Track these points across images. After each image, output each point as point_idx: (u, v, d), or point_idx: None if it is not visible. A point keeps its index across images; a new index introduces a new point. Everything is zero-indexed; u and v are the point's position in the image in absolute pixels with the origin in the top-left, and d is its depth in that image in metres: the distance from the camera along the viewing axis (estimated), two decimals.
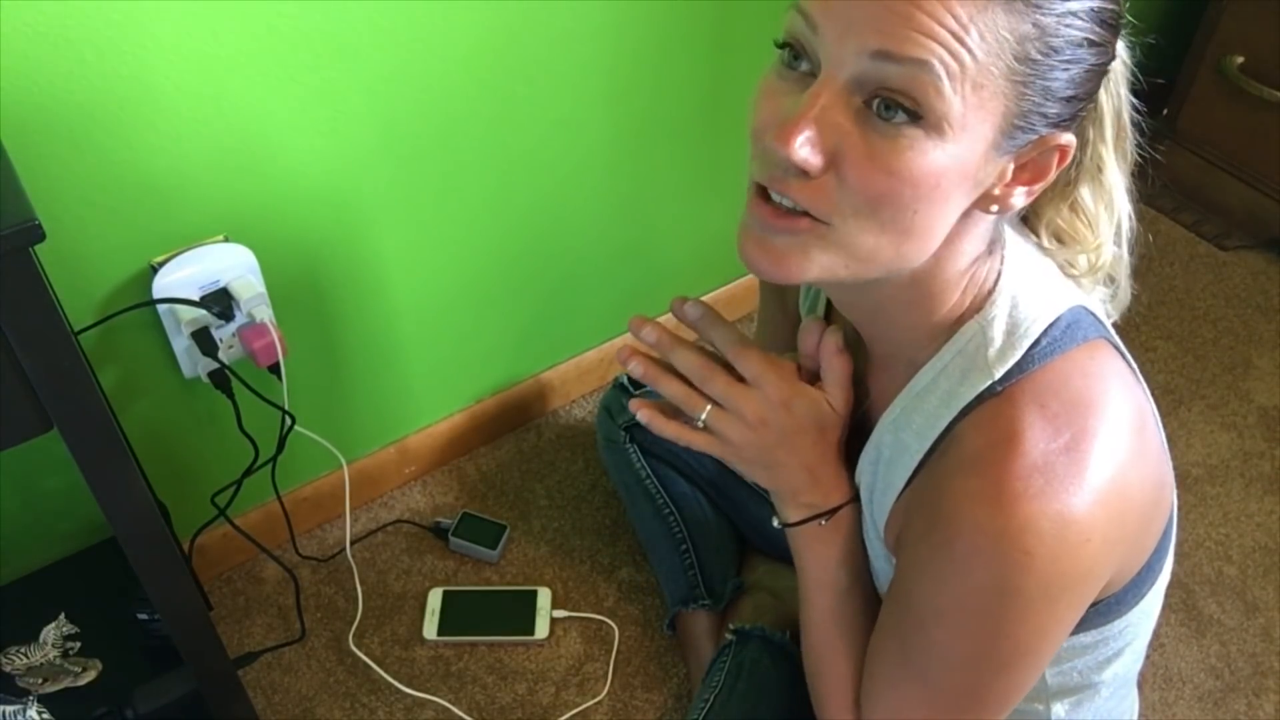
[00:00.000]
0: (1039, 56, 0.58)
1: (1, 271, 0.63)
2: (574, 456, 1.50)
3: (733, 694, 1.05)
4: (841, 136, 0.60)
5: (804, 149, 0.60)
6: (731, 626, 1.12)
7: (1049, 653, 0.72)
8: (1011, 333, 0.69)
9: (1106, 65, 0.63)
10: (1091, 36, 0.60)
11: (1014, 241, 0.73)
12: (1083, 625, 0.74)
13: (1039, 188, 0.65)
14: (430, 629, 1.29)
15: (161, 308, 1.03)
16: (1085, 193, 0.72)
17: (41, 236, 0.62)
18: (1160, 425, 0.75)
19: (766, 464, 0.79)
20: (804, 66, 0.62)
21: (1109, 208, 0.74)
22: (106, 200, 0.97)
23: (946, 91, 0.57)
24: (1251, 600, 1.36)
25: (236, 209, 1.05)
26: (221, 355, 1.08)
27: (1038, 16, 0.57)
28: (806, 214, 0.63)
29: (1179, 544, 1.41)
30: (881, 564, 0.82)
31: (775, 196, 0.64)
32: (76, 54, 0.87)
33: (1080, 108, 0.63)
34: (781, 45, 0.63)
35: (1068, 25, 0.58)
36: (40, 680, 1.08)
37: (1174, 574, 1.37)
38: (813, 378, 0.80)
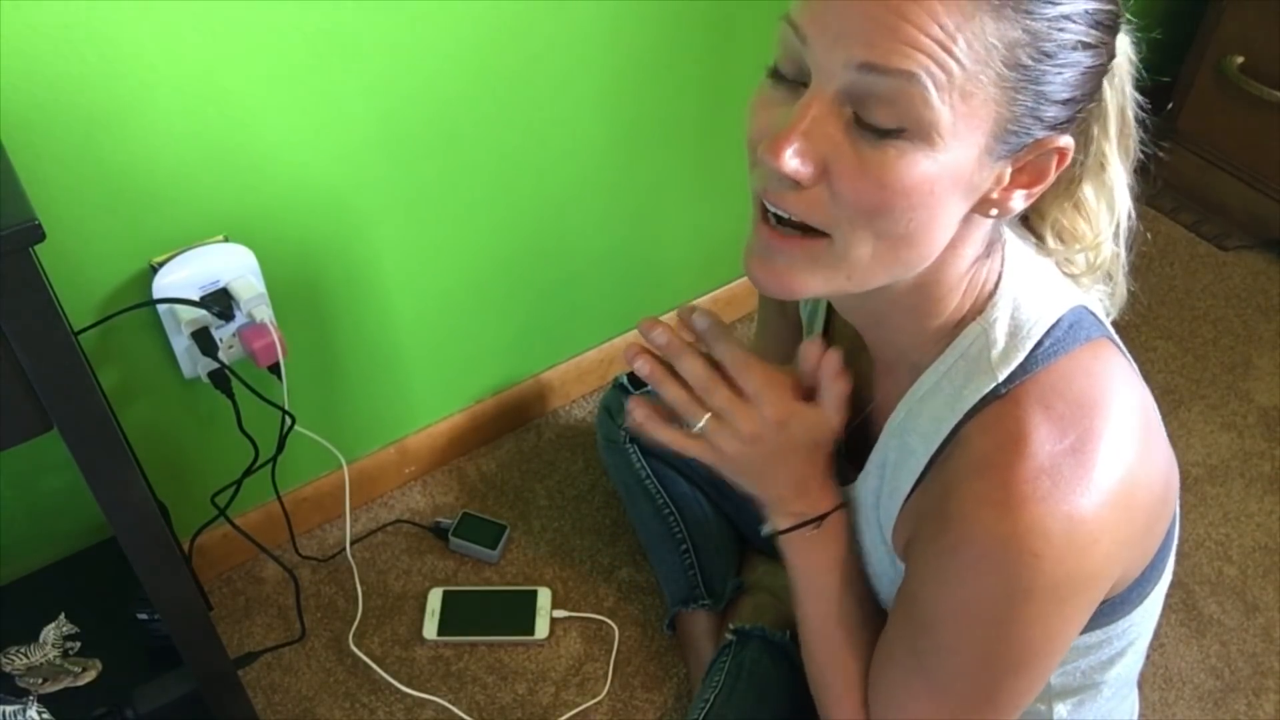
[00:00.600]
0: (1030, 62, 0.58)
1: (1, 271, 0.63)
2: (574, 456, 1.50)
3: (733, 694, 1.05)
4: (832, 147, 0.60)
5: (794, 160, 0.60)
6: (731, 626, 1.12)
7: (1060, 653, 0.72)
8: (1014, 334, 0.69)
9: (1105, 66, 0.63)
10: (1086, 39, 0.59)
11: (1012, 241, 0.73)
12: (1087, 625, 0.74)
13: (1038, 190, 0.65)
14: (430, 629, 1.29)
15: (161, 308, 1.03)
16: (1088, 190, 0.72)
17: (41, 236, 0.62)
18: (1162, 424, 0.75)
19: (756, 475, 0.81)
20: (796, 77, 0.62)
21: (1110, 205, 0.74)
22: (106, 200, 0.97)
23: (934, 101, 0.57)
24: (1251, 600, 1.36)
25: (236, 209, 1.05)
26: (221, 355, 1.08)
27: (1028, 22, 0.57)
28: (807, 232, 0.64)
29: (1179, 544, 1.41)
30: (884, 567, 0.82)
31: (770, 207, 0.65)
32: (76, 54, 0.87)
33: (1079, 109, 0.63)
34: (775, 59, 0.64)
35: (1060, 30, 0.58)
36: (40, 680, 1.08)
37: (1174, 574, 1.38)
38: (810, 393, 0.80)
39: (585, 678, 1.27)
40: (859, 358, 0.83)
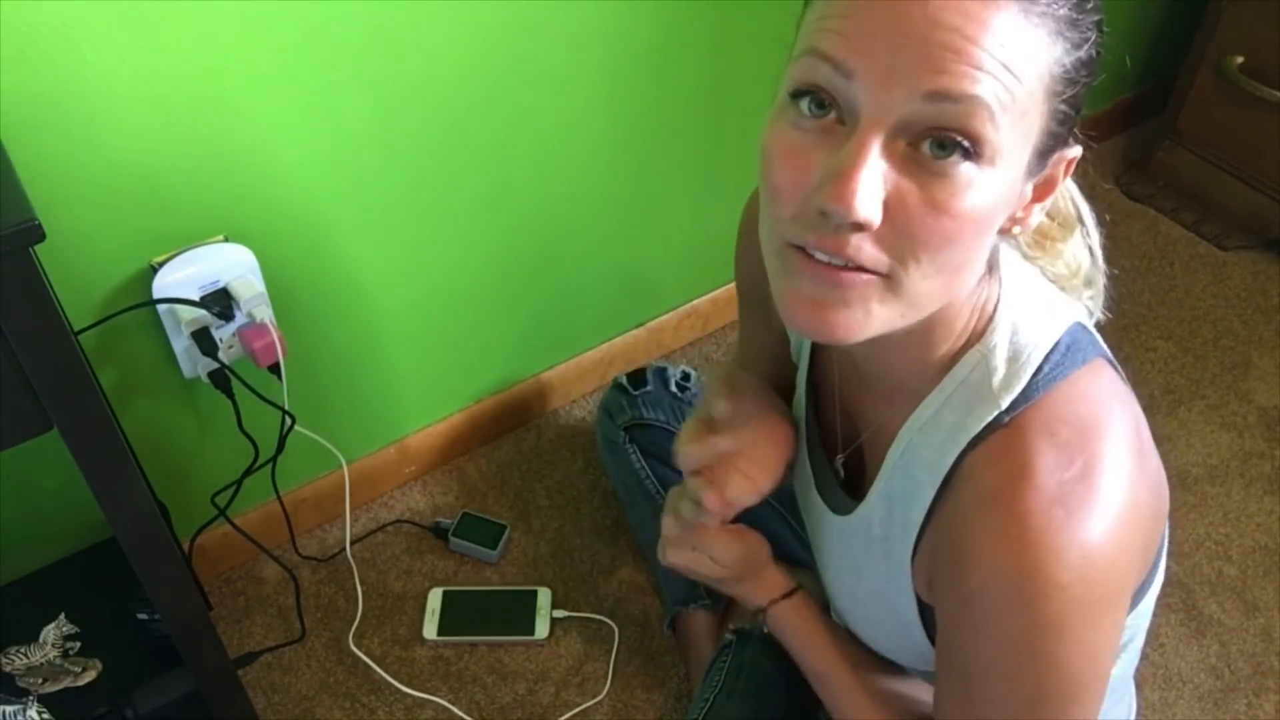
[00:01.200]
0: (1067, 76, 0.58)
1: (1, 271, 0.63)
2: (574, 456, 1.50)
3: (733, 694, 1.05)
4: (894, 183, 0.57)
5: (866, 205, 0.56)
6: (731, 626, 1.12)
7: (1107, 672, 0.70)
8: (1014, 360, 0.69)
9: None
10: (1099, 49, 0.60)
11: (1006, 254, 0.73)
12: None
13: (1049, 201, 0.65)
14: (430, 629, 1.29)
15: (161, 308, 1.03)
16: None
17: (41, 236, 0.62)
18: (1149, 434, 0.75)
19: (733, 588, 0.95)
20: (829, 115, 0.58)
21: (1067, 197, 0.75)
22: (106, 200, 0.97)
23: (1001, 122, 0.55)
24: (1251, 600, 1.36)
25: (236, 209, 1.05)
26: (221, 355, 1.08)
27: (1067, 32, 0.57)
28: (861, 267, 0.60)
29: (1179, 544, 1.42)
30: (893, 596, 0.80)
31: (824, 257, 0.60)
32: (76, 54, 0.87)
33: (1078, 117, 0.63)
34: (796, 95, 0.59)
35: (1088, 40, 0.58)
36: (40, 680, 1.08)
37: (1174, 574, 1.38)
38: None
39: (585, 678, 1.27)
40: (851, 383, 0.82)
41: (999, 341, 0.70)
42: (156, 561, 0.84)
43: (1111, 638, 0.70)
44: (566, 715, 1.23)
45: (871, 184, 0.56)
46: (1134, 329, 1.69)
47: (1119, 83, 2.02)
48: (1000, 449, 0.67)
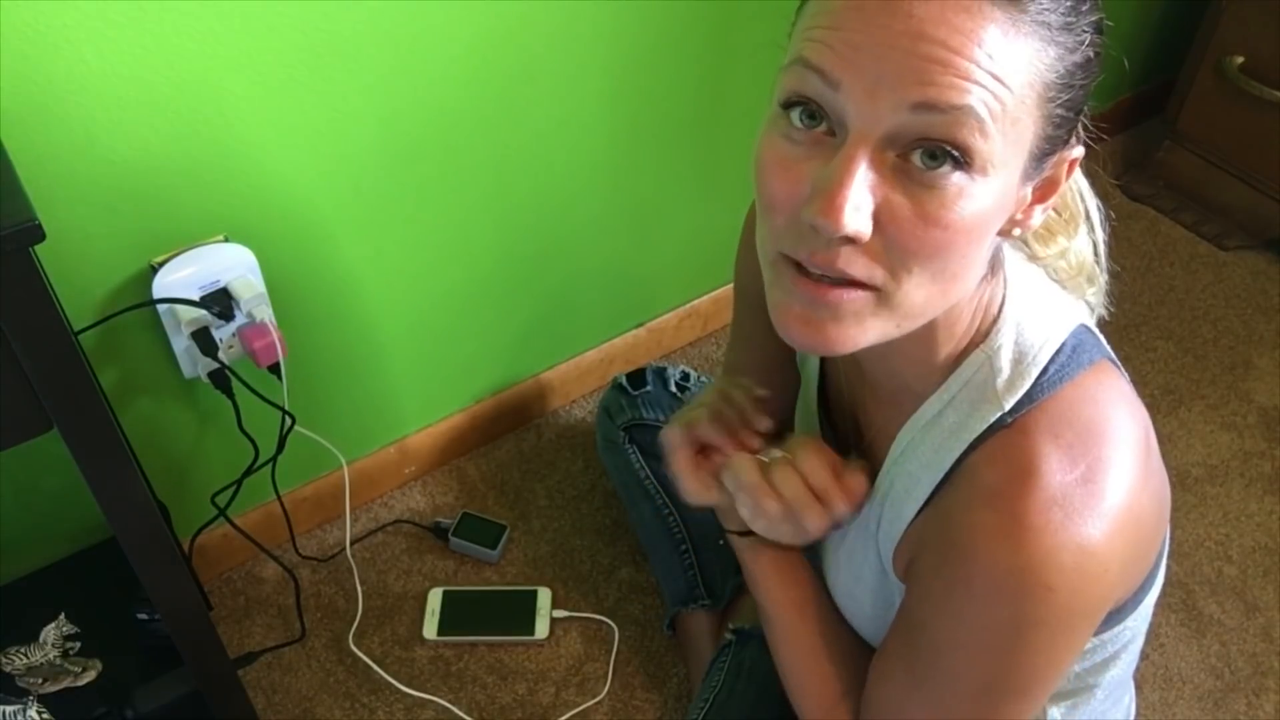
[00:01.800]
0: (1062, 80, 0.57)
1: (1, 271, 0.63)
2: (574, 456, 1.50)
3: (733, 694, 1.05)
4: (884, 196, 0.57)
5: (854, 219, 0.56)
6: (731, 626, 1.12)
7: (1060, 677, 0.72)
8: (1019, 361, 0.69)
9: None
10: (1097, 49, 0.59)
11: (1009, 254, 0.73)
12: None
13: (1051, 202, 0.65)
14: (430, 629, 1.29)
15: (161, 308, 1.03)
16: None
17: (41, 236, 0.62)
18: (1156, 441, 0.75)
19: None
20: (820, 126, 0.58)
21: (1075, 194, 0.75)
22: (106, 200, 0.97)
23: (991, 131, 0.55)
24: (1251, 600, 1.36)
25: (236, 209, 1.05)
26: (221, 355, 1.08)
27: (1060, 37, 0.56)
28: (852, 283, 0.60)
29: (1179, 544, 1.42)
30: (871, 582, 0.82)
31: (818, 270, 0.60)
32: (76, 54, 0.87)
33: (1080, 118, 0.63)
34: (786, 105, 0.59)
35: (1084, 43, 0.58)
36: (40, 680, 1.08)
37: (1174, 574, 1.38)
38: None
39: (585, 678, 1.27)
40: (855, 383, 0.82)
41: (1004, 342, 0.70)
42: (156, 561, 0.84)
43: (1078, 647, 0.70)
44: (566, 715, 1.23)
45: (859, 198, 0.56)
46: (1134, 329, 1.69)
47: (1119, 83, 2.02)
48: (1003, 449, 0.67)
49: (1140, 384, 1.56)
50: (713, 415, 0.83)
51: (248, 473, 1.18)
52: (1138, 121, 2.08)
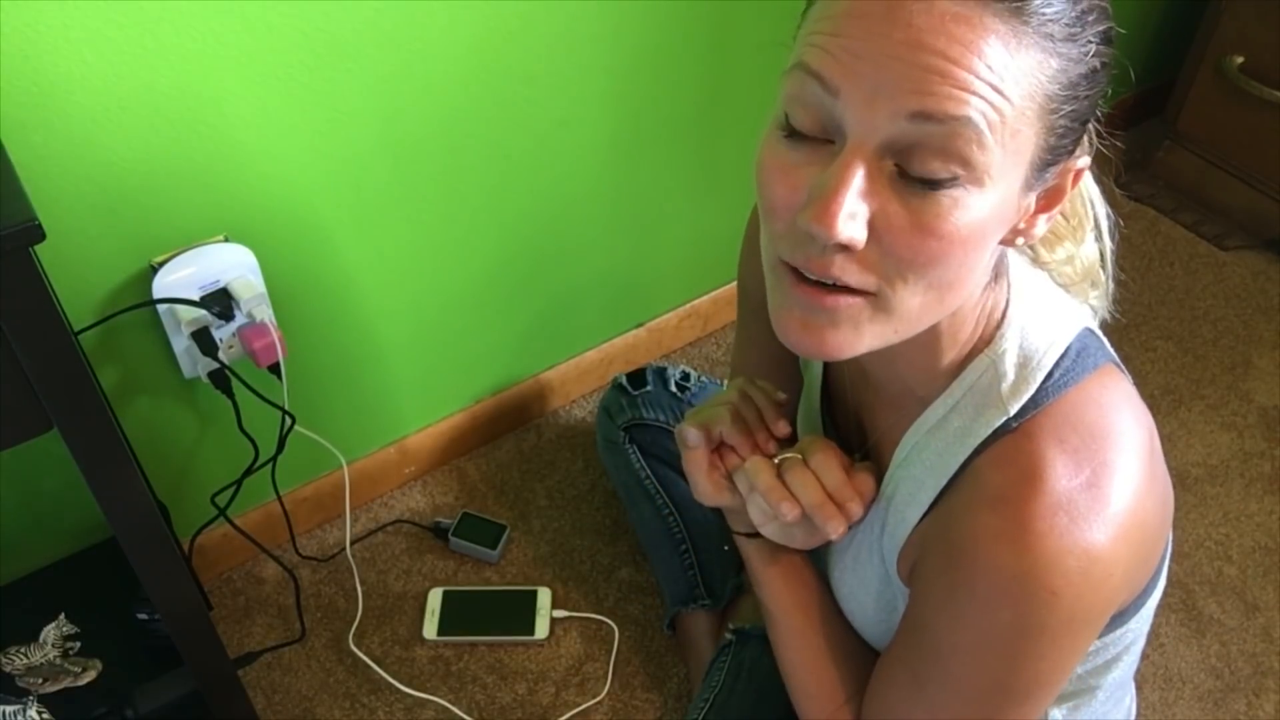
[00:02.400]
0: (1065, 92, 0.57)
1: (1, 271, 0.63)
2: (574, 456, 1.50)
3: (733, 694, 1.05)
4: (880, 204, 0.57)
5: (848, 227, 0.56)
6: (731, 626, 1.12)
7: (1063, 681, 0.71)
8: (1024, 366, 0.69)
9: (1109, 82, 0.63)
10: (1105, 59, 0.59)
11: (1014, 258, 0.73)
12: None
13: (1056, 210, 0.65)
14: (430, 629, 1.29)
15: (161, 308, 1.03)
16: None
17: (41, 236, 0.62)
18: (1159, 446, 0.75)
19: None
20: (818, 133, 0.58)
21: (1084, 201, 0.75)
22: (106, 200, 0.97)
23: (989, 143, 0.55)
24: (1251, 600, 1.36)
25: (236, 209, 1.05)
26: (221, 355, 1.08)
27: (1063, 48, 0.56)
28: (850, 289, 0.60)
29: (1179, 544, 1.42)
30: (874, 586, 0.81)
31: (814, 277, 0.60)
32: (76, 54, 0.87)
33: (1087, 127, 0.63)
34: (787, 111, 0.59)
35: (1089, 54, 0.57)
36: (40, 680, 1.08)
37: (1174, 574, 1.38)
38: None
39: (585, 678, 1.27)
40: (859, 387, 0.82)
41: (1008, 347, 0.70)
42: (156, 561, 0.84)
43: (1081, 651, 0.70)
44: (566, 715, 1.23)
45: (854, 206, 0.56)
46: (1134, 329, 1.69)
47: (1119, 83, 2.02)
48: (1009, 453, 0.67)
49: (1140, 384, 1.55)
50: (734, 416, 0.83)
51: (248, 473, 1.18)
52: (1138, 121, 2.08)
